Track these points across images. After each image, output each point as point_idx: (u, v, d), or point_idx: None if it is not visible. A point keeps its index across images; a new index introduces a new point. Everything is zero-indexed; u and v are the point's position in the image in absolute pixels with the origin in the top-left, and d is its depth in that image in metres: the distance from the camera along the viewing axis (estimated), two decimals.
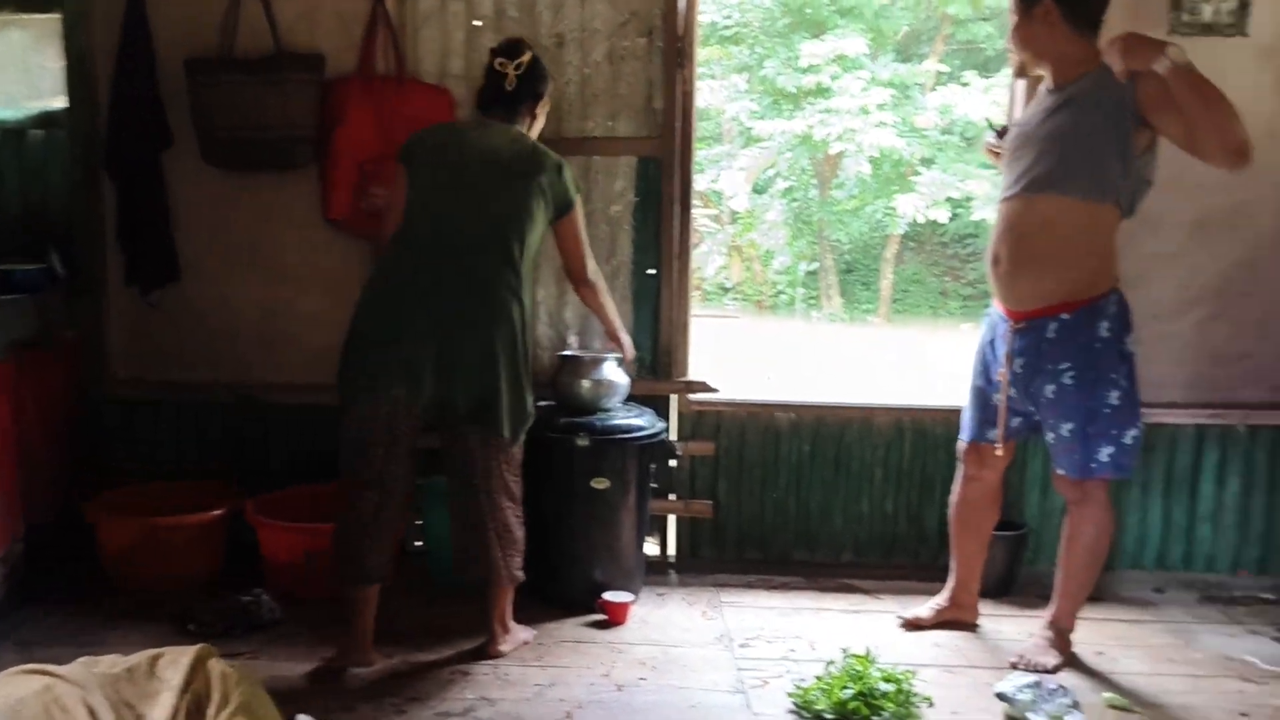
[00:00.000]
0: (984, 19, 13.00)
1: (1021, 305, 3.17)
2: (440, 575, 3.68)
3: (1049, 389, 3.14)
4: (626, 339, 3.56)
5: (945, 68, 12.91)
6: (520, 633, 3.27)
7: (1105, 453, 3.10)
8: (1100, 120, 3.02)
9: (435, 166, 3.15)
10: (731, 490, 4.04)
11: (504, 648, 3.18)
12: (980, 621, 3.53)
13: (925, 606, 3.59)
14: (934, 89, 12.72)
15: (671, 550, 4.07)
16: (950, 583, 3.57)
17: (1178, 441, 4.01)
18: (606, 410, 3.63)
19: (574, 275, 3.37)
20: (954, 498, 3.54)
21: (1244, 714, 2.93)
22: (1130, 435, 3.11)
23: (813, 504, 4.05)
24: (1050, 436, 3.20)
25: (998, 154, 3.39)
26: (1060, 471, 3.20)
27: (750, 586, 3.81)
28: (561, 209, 3.22)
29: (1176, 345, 3.96)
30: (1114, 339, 3.09)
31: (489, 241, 3.09)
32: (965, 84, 12.29)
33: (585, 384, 3.61)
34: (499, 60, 3.23)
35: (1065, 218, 3.05)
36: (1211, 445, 4.01)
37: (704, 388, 3.98)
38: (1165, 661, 3.28)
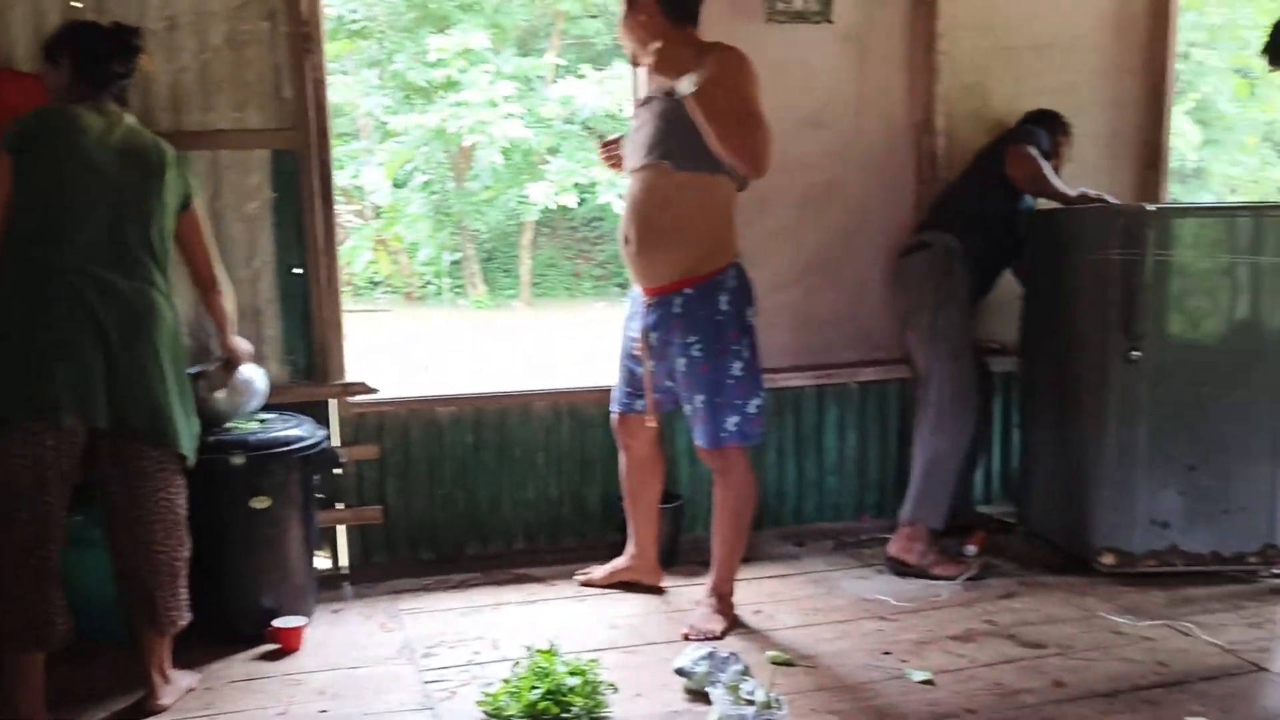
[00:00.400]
0: (593, 16, 13.15)
1: (651, 281, 3.12)
2: (82, 627, 3.08)
3: (680, 362, 3.10)
4: (242, 344, 3.08)
5: (563, 61, 12.96)
6: (182, 679, 2.80)
7: (732, 422, 3.09)
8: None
9: (58, 156, 2.61)
10: (400, 492, 3.77)
11: (166, 700, 2.71)
12: (660, 587, 3.48)
13: (603, 568, 3.54)
14: (554, 81, 12.75)
15: (344, 562, 3.72)
16: (629, 549, 3.52)
17: (803, 402, 4.13)
18: (261, 420, 3.25)
19: (204, 277, 2.92)
20: (620, 470, 3.49)
21: (886, 651, 3.01)
22: (754, 404, 3.12)
23: (481, 496, 3.85)
24: (687, 409, 3.17)
25: (612, 162, 3.34)
26: (697, 443, 3.17)
27: (428, 589, 3.53)
28: (186, 203, 2.81)
29: (794, 314, 4.09)
30: (734, 312, 3.07)
31: (133, 240, 2.63)
32: (582, 76, 12.38)
33: (221, 394, 3.13)
34: (144, 50, 2.80)
35: (682, 192, 3.01)
36: (830, 403, 4.17)
37: (364, 389, 3.67)
38: (814, 611, 3.32)
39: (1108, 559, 3.50)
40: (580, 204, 12.32)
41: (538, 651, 2.76)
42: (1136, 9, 4.32)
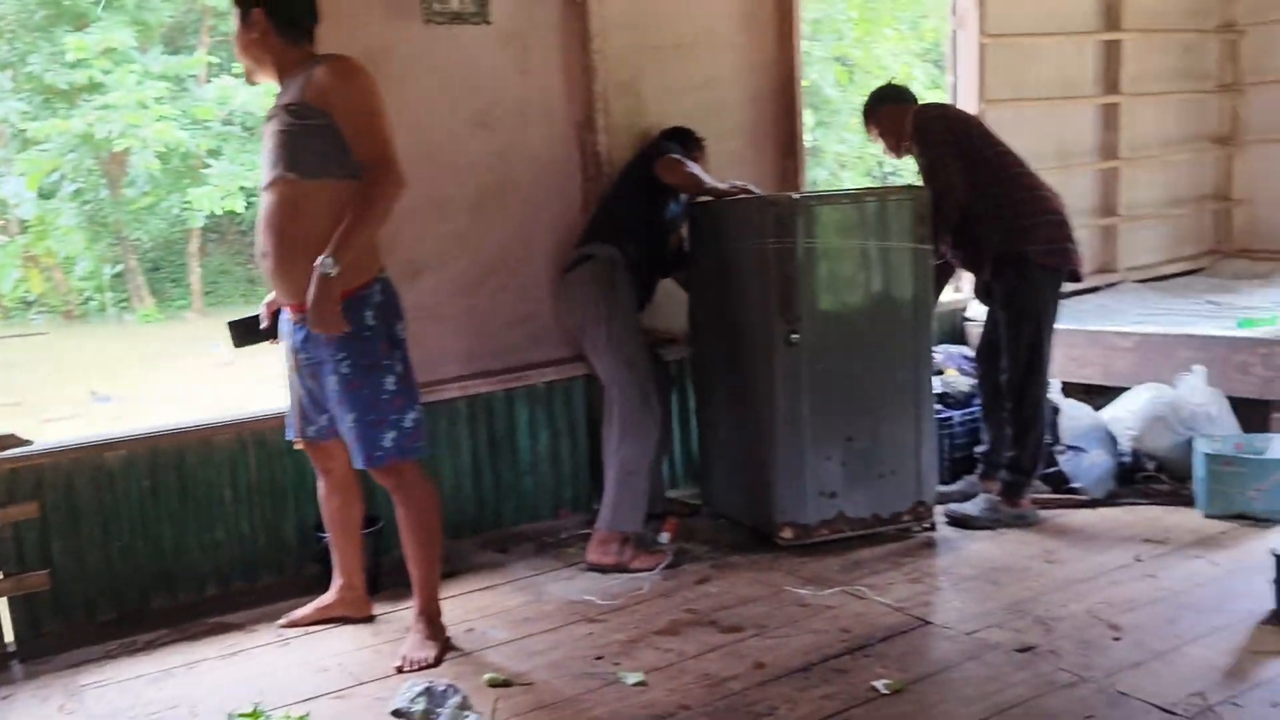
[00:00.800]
0: None
1: (294, 297, 2.86)
2: None
3: (332, 380, 2.87)
4: None
5: (215, 59, 11.99)
6: None
7: (389, 438, 2.88)
8: (312, 112, 2.76)
9: None
10: (69, 550, 3.28)
11: None
12: (370, 617, 3.24)
13: (307, 606, 3.25)
14: (208, 81, 11.78)
15: (9, 638, 3.19)
16: (336, 580, 3.25)
17: (494, 407, 3.98)
18: None
19: None
20: (320, 497, 3.21)
21: (599, 656, 2.91)
22: (410, 418, 2.92)
23: (165, 542, 3.43)
24: (342, 428, 2.93)
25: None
26: (356, 463, 2.94)
27: (111, 656, 3.07)
28: None
29: (477, 318, 3.94)
30: (382, 326, 2.86)
31: None
32: (238, 74, 11.52)
33: None
34: None
35: (314, 203, 2.78)
36: (521, 405, 4.04)
37: (15, 442, 3.17)
38: (524, 621, 3.18)
39: (787, 533, 3.57)
40: (248, 208, 11.49)
41: (240, 716, 2.46)
42: (765, 8, 4.43)
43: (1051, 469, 3.94)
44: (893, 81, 4.11)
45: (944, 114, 3.95)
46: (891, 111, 3.91)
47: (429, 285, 3.82)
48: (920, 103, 3.96)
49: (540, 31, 3.95)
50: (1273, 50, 5.77)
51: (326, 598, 3.27)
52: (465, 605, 3.30)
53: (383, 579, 3.46)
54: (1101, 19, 5.44)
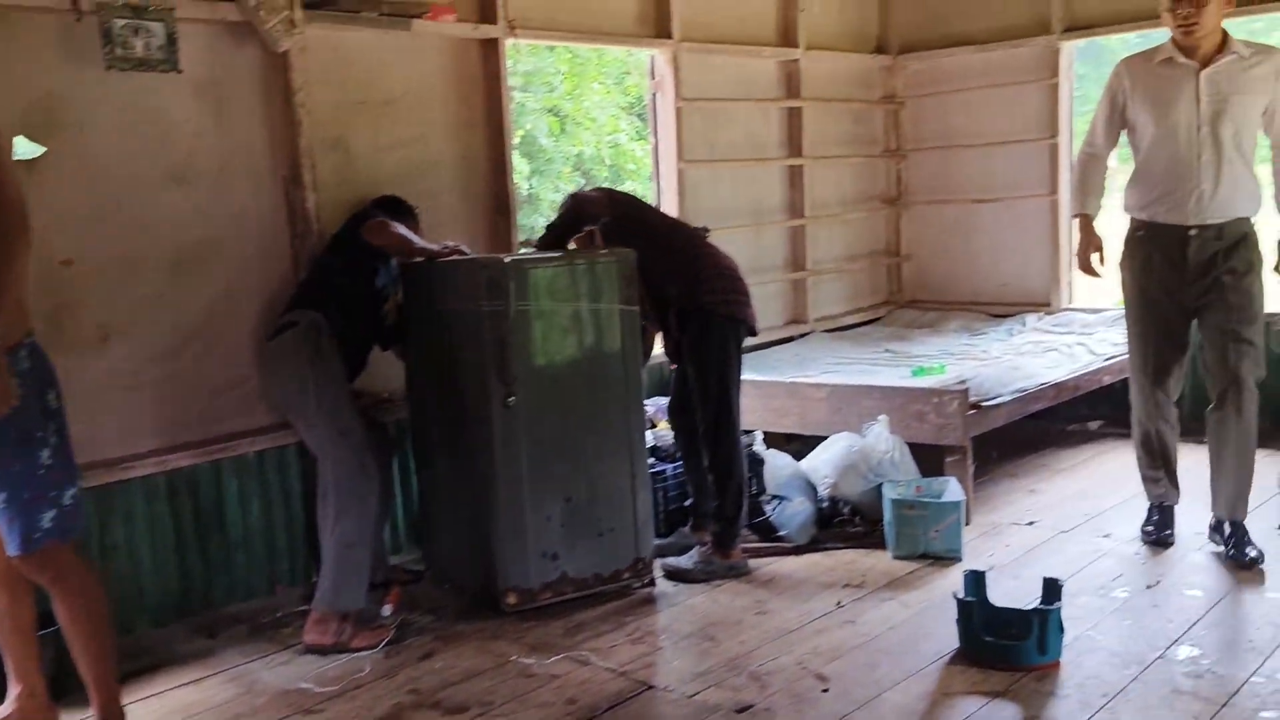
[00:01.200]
0: None
1: None
2: None
3: None
4: None
5: None
6: None
7: (48, 518, 2.53)
8: None
9: None
10: None
11: None
12: None
13: None
14: None
15: None
16: (13, 690, 2.79)
17: (199, 480, 3.62)
18: None
19: None
20: None
21: None
22: (70, 495, 2.58)
23: None
24: None
25: None
26: (10, 552, 2.54)
27: None
28: None
29: (179, 386, 3.60)
30: (34, 395, 2.49)
31: None
32: None
33: None
34: None
35: None
36: (229, 476, 3.70)
37: None
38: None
39: (511, 599, 3.42)
40: None
41: None
42: (472, 66, 4.32)
43: (759, 518, 4.03)
44: (577, 191, 4.21)
45: (608, 192, 4.07)
46: None
47: (122, 352, 3.43)
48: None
49: (239, 83, 3.66)
50: (927, 120, 6.28)
51: (4, 709, 2.81)
52: (168, 706, 2.94)
53: (69, 681, 2.98)
54: (783, 88, 5.72)
